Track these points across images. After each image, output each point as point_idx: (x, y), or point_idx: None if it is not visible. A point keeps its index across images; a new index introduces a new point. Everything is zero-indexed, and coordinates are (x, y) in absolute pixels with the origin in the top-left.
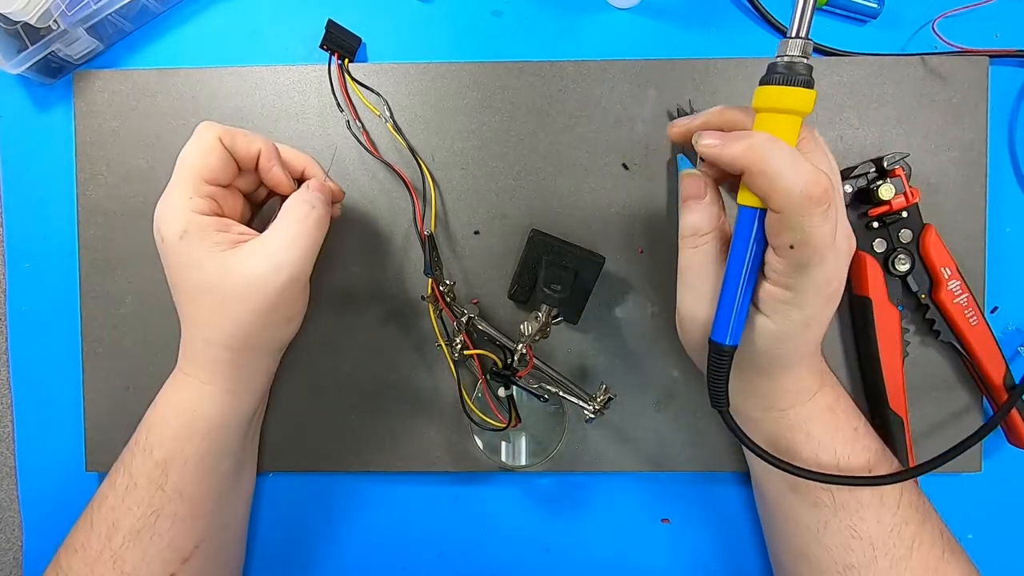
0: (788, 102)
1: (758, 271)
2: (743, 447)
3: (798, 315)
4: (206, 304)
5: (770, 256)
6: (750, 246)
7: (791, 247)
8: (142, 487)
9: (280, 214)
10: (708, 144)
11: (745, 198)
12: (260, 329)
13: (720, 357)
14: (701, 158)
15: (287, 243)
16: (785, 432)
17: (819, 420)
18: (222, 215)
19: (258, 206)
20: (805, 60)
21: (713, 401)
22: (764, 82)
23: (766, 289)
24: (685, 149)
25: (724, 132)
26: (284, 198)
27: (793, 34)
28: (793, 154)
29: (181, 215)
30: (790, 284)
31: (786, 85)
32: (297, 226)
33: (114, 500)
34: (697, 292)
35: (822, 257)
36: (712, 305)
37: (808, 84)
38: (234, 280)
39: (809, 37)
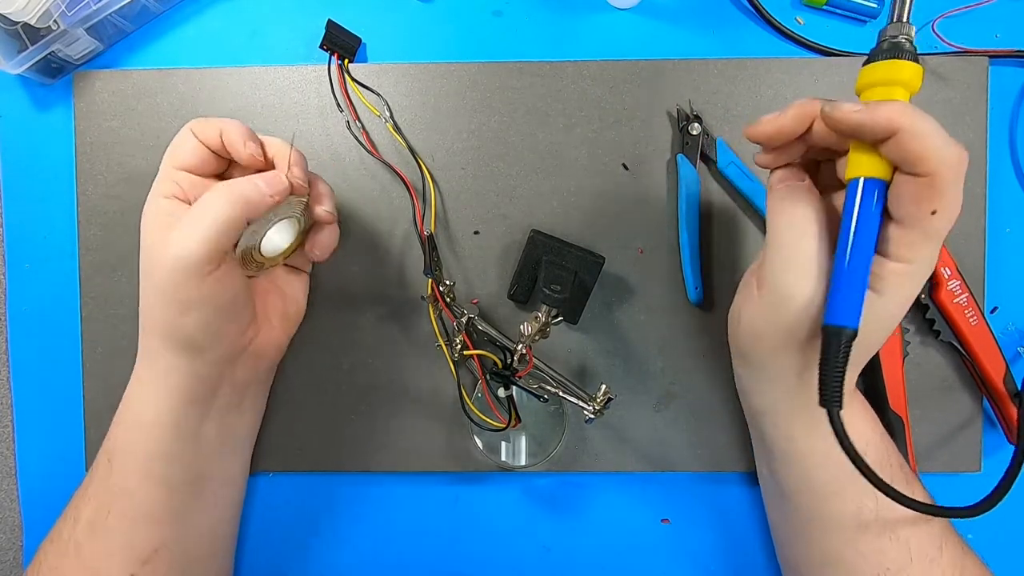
0: (901, 75)
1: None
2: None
3: (910, 290)
4: (141, 287)
5: (894, 229)
6: (870, 219)
7: (933, 213)
8: (95, 479)
9: None
10: (852, 109)
11: (865, 168)
12: (160, 311)
13: (840, 344)
14: (763, 152)
15: (188, 218)
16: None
17: (857, 412)
18: (189, 201)
19: None
20: (911, 40)
21: (826, 398)
22: (870, 61)
23: (884, 264)
24: (686, 151)
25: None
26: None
27: (895, 19)
28: (933, 118)
29: (151, 202)
30: (913, 256)
31: (898, 59)
32: (203, 201)
33: (81, 490)
34: (804, 269)
35: (952, 224)
36: (819, 284)
37: (917, 60)
38: (145, 258)
39: (911, 21)
